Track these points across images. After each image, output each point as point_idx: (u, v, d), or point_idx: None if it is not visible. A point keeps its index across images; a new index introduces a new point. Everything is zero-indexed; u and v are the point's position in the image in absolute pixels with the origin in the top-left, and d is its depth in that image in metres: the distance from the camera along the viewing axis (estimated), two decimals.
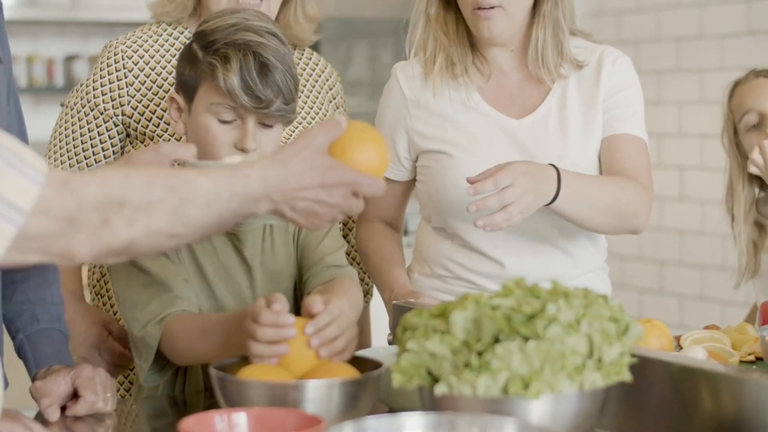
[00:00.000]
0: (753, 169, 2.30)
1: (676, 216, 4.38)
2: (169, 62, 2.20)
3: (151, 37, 2.24)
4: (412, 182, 2.30)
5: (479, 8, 2.13)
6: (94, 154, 2.19)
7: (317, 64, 2.38)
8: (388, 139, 2.20)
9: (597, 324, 1.37)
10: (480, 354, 1.36)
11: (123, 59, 2.20)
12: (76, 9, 4.94)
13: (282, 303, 1.60)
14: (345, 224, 2.39)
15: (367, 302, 2.39)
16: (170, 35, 2.24)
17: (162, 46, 2.23)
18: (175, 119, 1.92)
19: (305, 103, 2.30)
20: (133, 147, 2.18)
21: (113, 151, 2.20)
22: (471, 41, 2.23)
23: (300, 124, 2.27)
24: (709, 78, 4.25)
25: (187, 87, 1.89)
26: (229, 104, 1.83)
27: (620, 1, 4.59)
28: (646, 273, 4.51)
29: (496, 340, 1.36)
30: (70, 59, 5.15)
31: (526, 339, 1.35)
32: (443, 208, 2.20)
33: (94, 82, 2.21)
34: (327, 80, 2.38)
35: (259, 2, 2.16)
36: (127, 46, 2.22)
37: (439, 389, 1.35)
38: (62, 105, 2.25)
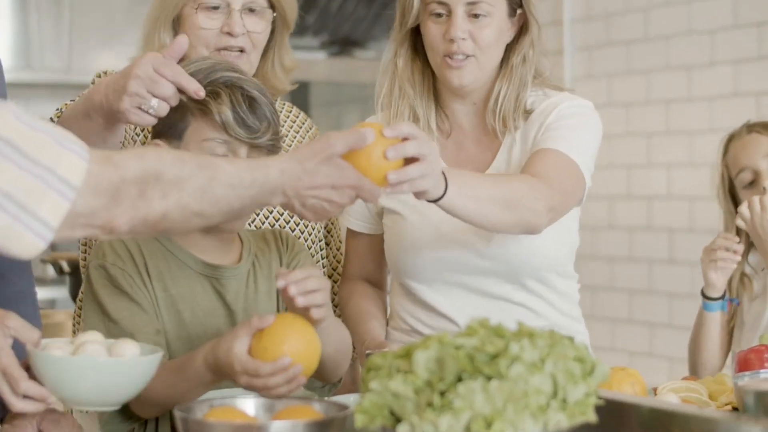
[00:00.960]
0: (740, 223, 2.32)
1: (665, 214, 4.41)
2: None
3: None
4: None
5: (451, 57, 2.13)
6: None
7: (297, 116, 2.41)
8: None
9: (562, 364, 1.35)
10: (442, 393, 1.34)
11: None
12: (69, 72, 4.97)
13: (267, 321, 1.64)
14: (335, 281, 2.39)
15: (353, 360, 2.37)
16: None
17: None
18: None
19: (287, 151, 2.31)
20: None
21: None
22: (435, 95, 2.23)
23: None
24: (696, 74, 4.28)
25: (173, 130, 1.90)
26: (222, 138, 1.86)
27: (609, 4, 4.61)
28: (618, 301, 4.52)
29: (459, 380, 1.34)
30: None
31: (489, 378, 1.33)
32: (399, 267, 2.22)
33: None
34: (308, 130, 2.41)
35: (239, 54, 2.18)
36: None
37: (402, 429, 1.33)
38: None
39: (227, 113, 1.85)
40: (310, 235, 2.32)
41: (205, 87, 1.86)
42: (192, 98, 1.85)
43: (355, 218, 2.30)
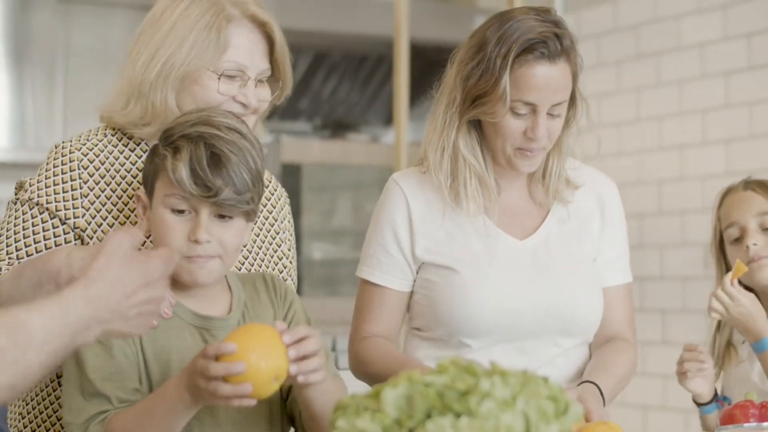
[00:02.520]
0: (715, 316, 2.31)
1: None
2: (126, 174, 2.16)
3: (104, 144, 2.19)
4: (410, 293, 2.29)
5: (526, 150, 2.18)
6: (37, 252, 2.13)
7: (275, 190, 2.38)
8: (392, 248, 2.25)
9: (534, 402, 1.32)
10: (411, 431, 1.31)
11: (78, 168, 2.15)
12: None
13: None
14: None
15: None
16: (125, 145, 2.19)
17: (117, 157, 2.18)
18: (141, 217, 1.92)
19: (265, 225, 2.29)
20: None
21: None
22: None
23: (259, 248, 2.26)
24: (688, 88, 4.31)
25: (147, 182, 1.89)
26: (180, 194, 1.82)
27: (599, 25, 4.65)
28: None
29: (429, 417, 1.31)
30: None
31: (459, 415, 1.30)
32: (451, 324, 2.21)
33: (46, 187, 2.14)
34: (279, 199, 2.37)
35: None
36: (82, 154, 2.16)
37: None
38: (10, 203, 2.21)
39: (181, 169, 1.81)
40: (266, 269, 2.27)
41: (173, 141, 1.84)
42: (159, 152, 1.85)
43: (384, 272, 2.27)
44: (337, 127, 5.48)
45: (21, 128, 4.90)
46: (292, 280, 2.32)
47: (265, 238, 2.29)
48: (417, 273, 2.26)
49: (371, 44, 5.22)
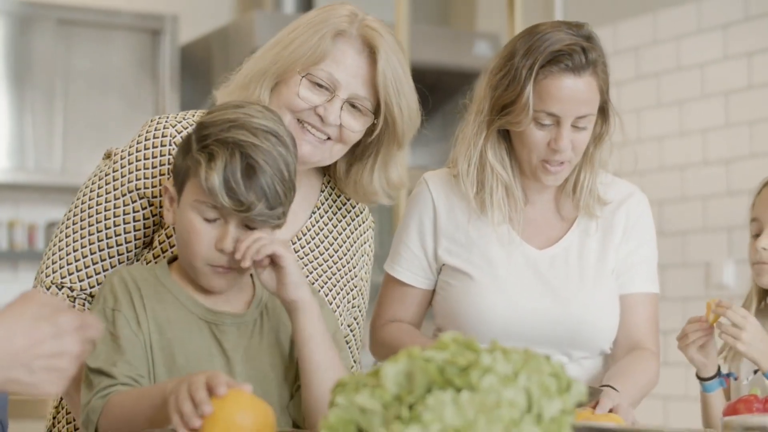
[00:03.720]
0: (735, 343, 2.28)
1: None
2: None
3: None
4: (433, 291, 2.32)
5: (550, 163, 2.18)
6: (122, 233, 2.08)
7: (361, 212, 2.33)
8: (416, 247, 2.28)
9: (536, 378, 1.30)
10: (411, 407, 1.28)
11: (170, 144, 2.09)
12: (63, 174, 4.97)
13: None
14: None
15: None
16: None
17: None
18: (167, 208, 1.88)
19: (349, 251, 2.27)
20: (158, 236, 2.09)
21: (137, 237, 2.09)
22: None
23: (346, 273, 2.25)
24: (687, 108, 4.30)
25: (178, 178, 1.85)
26: (211, 203, 1.78)
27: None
28: None
29: (429, 393, 1.29)
30: (51, 225, 5.16)
31: (459, 390, 1.28)
32: (464, 328, 2.23)
33: (137, 161, 2.09)
34: (367, 230, 2.34)
35: (321, 140, 2.09)
36: (176, 131, 2.10)
37: None
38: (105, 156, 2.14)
39: (214, 179, 1.75)
40: (334, 286, 2.23)
41: (208, 145, 1.79)
42: (194, 154, 1.79)
43: (407, 269, 2.31)
44: None
45: (21, 150, 4.90)
46: (363, 299, 2.31)
47: (339, 260, 2.26)
48: (438, 274, 2.29)
49: None
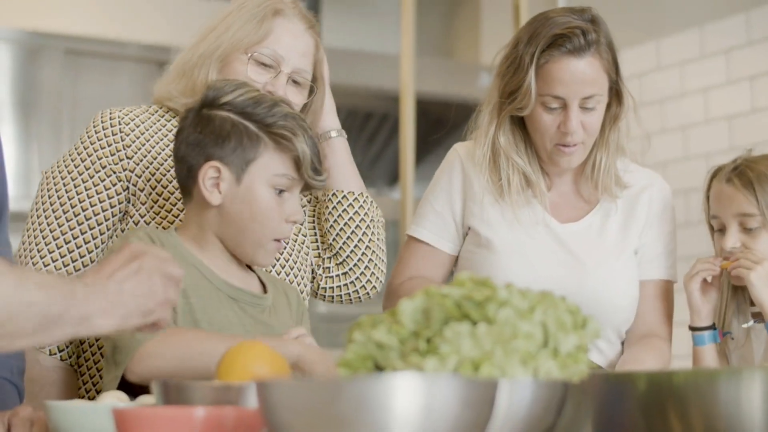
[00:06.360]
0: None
1: None
2: (169, 143, 2.16)
3: (146, 115, 2.21)
4: (455, 259, 2.36)
5: (563, 145, 2.21)
6: (91, 206, 2.11)
7: None
8: (445, 210, 2.32)
9: (552, 312, 1.31)
10: (428, 340, 1.29)
11: (119, 124, 2.16)
12: None
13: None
14: None
15: None
16: (169, 120, 2.21)
17: (158, 125, 2.20)
18: (210, 188, 1.90)
19: None
20: (135, 209, 2.13)
21: (111, 210, 2.13)
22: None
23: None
24: (691, 133, 4.29)
25: (237, 158, 1.89)
26: (291, 176, 1.88)
27: None
28: None
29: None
30: None
31: (476, 324, 1.28)
32: None
33: (90, 143, 2.16)
34: None
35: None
36: (123, 114, 2.18)
37: None
38: (43, 173, 2.21)
39: (306, 152, 1.88)
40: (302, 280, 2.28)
41: (278, 122, 1.89)
42: (267, 131, 1.87)
43: (432, 231, 2.34)
44: None
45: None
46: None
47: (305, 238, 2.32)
48: (464, 238, 2.33)
49: (376, 99, 5.25)
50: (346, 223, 2.25)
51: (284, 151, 1.88)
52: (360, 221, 2.26)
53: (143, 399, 1.51)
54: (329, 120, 2.29)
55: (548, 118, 2.19)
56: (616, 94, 2.25)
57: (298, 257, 2.23)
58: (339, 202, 2.26)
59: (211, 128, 1.90)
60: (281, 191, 1.89)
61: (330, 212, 2.26)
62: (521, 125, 2.28)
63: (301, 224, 2.26)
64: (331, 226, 2.25)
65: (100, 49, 5.06)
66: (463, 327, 1.27)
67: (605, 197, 2.32)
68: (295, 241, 2.24)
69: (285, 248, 2.15)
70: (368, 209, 2.29)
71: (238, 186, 1.88)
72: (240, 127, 1.89)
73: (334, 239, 2.25)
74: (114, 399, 1.50)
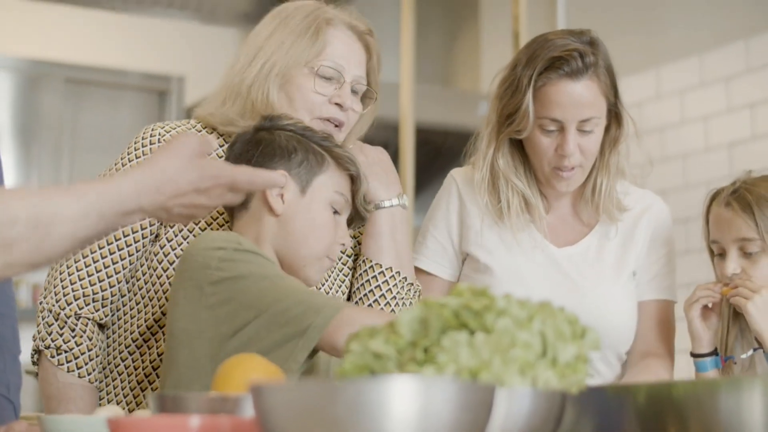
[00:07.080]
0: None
1: None
2: None
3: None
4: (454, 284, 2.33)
5: (560, 169, 2.22)
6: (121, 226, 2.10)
7: None
8: (443, 237, 2.34)
9: (551, 322, 1.30)
10: (426, 350, 1.28)
11: (159, 142, 2.14)
12: None
13: None
14: None
15: None
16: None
17: None
18: (273, 198, 1.92)
19: None
20: (164, 231, 2.10)
21: (142, 232, 2.11)
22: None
23: None
24: (691, 161, 4.30)
25: (304, 170, 1.93)
26: (347, 198, 1.96)
27: None
28: None
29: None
30: None
31: (474, 333, 1.27)
32: None
33: (129, 160, 2.14)
34: None
35: (336, 129, 2.14)
36: (165, 131, 2.16)
37: None
38: None
39: (363, 174, 1.98)
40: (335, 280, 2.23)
41: (331, 146, 1.98)
42: (329, 150, 1.94)
43: (432, 259, 2.36)
44: None
45: None
46: None
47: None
48: (462, 264, 2.34)
49: (375, 128, 5.25)
50: (371, 291, 2.18)
51: (344, 170, 1.95)
52: (382, 296, 2.18)
53: (138, 413, 1.50)
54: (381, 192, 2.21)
55: (546, 141, 2.19)
56: (615, 116, 2.25)
57: (333, 284, 2.20)
58: (367, 270, 2.18)
59: (276, 143, 1.95)
60: (335, 212, 1.94)
61: (360, 275, 2.20)
62: (520, 148, 2.28)
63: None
64: (357, 288, 2.20)
65: (101, 78, 5.08)
66: (460, 336, 1.26)
67: (604, 220, 2.32)
68: (334, 276, 2.22)
69: (332, 272, 2.14)
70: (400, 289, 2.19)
71: (302, 198, 1.92)
72: (305, 143, 1.95)
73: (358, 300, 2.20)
74: (110, 413, 1.49)
